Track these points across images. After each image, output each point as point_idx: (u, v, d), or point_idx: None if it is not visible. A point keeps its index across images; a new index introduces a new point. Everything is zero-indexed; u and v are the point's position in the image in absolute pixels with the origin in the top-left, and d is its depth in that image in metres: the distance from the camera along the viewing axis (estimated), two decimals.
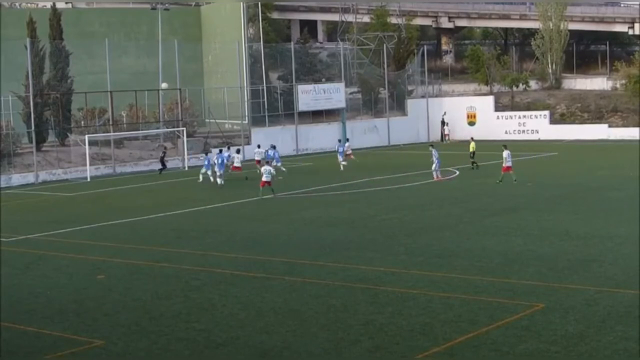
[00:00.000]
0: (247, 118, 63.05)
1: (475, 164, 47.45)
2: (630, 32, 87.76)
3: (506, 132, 70.14)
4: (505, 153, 40.80)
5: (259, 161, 47.60)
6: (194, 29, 71.35)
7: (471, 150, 48.15)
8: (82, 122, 57.38)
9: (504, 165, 40.71)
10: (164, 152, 53.72)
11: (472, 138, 50.60)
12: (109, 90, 55.19)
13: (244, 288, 20.66)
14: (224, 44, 65.57)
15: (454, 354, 15.14)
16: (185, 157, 55.92)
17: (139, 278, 22.42)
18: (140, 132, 59.11)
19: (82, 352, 16.02)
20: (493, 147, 51.95)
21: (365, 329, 16.73)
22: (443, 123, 73.19)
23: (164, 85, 60.20)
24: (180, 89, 59.43)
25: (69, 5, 77.87)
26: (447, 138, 71.80)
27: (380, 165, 51.81)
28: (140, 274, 22.98)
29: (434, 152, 42.80)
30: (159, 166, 52.65)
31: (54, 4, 59.91)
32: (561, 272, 21.19)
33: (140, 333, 17.10)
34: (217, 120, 62.89)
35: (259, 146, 50.56)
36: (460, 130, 72.53)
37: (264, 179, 37.55)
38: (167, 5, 65.87)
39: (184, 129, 57.34)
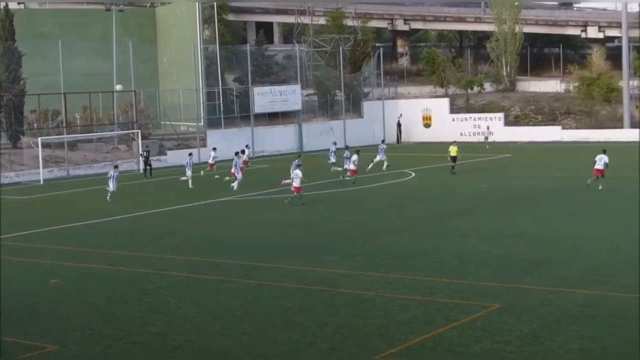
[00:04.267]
0: (202, 120, 62.76)
1: (453, 168, 45.67)
2: (583, 35, 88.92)
3: (461, 134, 70.51)
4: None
5: (212, 165, 47.89)
6: (149, 30, 70.89)
7: (453, 154, 45.89)
8: (35, 124, 56.69)
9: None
10: (147, 152, 52.17)
11: (454, 141, 49.01)
12: (62, 92, 54.57)
13: (200, 291, 20.55)
14: (180, 45, 65.24)
15: (409, 355, 15.21)
16: (140, 159, 55.41)
17: (94, 282, 22.16)
18: (95, 134, 58.56)
19: (36, 357, 15.80)
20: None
21: (322, 331, 16.72)
22: (399, 125, 73.35)
23: (118, 87, 59.67)
24: (135, 91, 59.03)
25: (22, 6, 76.84)
26: (487, 140, 67.16)
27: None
28: (95, 277, 22.72)
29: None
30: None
31: (6, 4, 59.18)
32: (515, 272, 21.38)
33: (95, 337, 16.91)
34: (172, 123, 62.51)
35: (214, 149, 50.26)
36: (415, 132, 73.00)
37: (295, 184, 35.14)
38: (121, 6, 65.32)
39: (139, 131, 56.82)
